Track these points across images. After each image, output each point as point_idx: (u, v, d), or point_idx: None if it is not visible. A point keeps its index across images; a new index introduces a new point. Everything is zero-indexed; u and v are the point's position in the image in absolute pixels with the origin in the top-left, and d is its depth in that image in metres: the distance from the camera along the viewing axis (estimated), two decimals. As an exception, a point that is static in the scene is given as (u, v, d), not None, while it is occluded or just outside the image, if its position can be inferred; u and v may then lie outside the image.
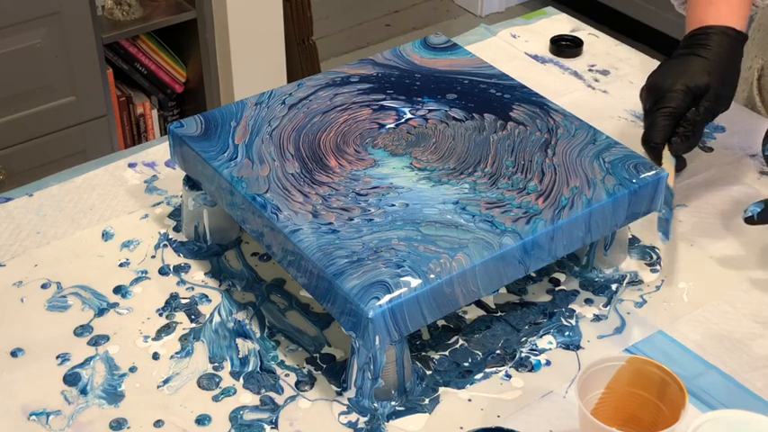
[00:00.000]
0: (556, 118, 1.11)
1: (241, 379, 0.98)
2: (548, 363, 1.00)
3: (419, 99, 1.14)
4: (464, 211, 0.98)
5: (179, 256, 1.12)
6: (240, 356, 1.00)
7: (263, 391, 0.97)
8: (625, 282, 1.09)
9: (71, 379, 0.98)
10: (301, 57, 2.67)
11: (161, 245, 1.13)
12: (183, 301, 1.06)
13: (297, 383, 0.98)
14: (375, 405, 0.95)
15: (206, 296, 1.07)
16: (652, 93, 1.13)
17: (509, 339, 1.02)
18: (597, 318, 1.05)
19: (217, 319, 1.04)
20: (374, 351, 0.92)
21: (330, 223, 0.97)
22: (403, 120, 1.11)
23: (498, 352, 1.01)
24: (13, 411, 0.94)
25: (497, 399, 0.96)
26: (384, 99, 1.14)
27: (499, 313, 1.05)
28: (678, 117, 1.10)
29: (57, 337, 1.02)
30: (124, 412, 0.94)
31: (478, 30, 1.53)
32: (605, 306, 1.06)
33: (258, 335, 1.02)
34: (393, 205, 0.99)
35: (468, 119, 1.11)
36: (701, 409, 0.95)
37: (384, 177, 1.03)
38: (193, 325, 1.03)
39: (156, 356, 1.00)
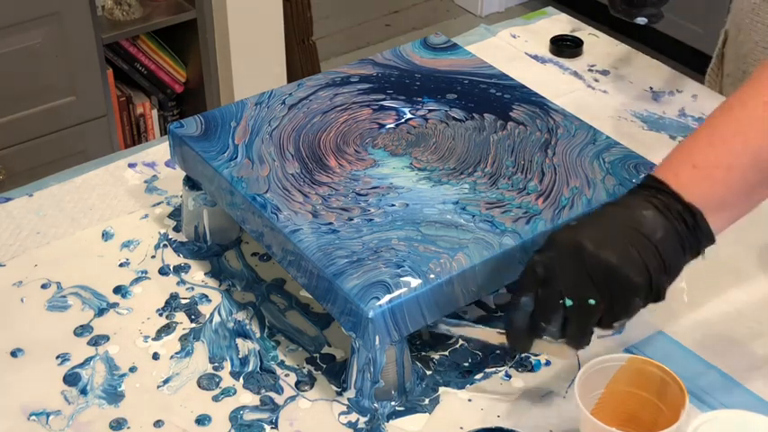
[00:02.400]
0: (556, 118, 1.11)
1: (241, 379, 0.98)
2: (548, 363, 1.00)
3: (419, 99, 1.14)
4: (464, 211, 0.98)
5: (179, 256, 1.12)
6: (240, 356, 1.00)
7: (263, 391, 0.97)
8: (625, 282, 1.09)
9: (71, 379, 0.98)
10: (301, 57, 2.67)
11: (161, 245, 1.13)
12: (183, 301, 1.06)
13: (297, 383, 0.98)
14: (375, 405, 0.95)
15: (206, 296, 1.07)
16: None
17: (509, 339, 1.02)
18: (597, 318, 1.05)
19: (217, 319, 1.04)
20: (374, 351, 0.92)
21: (330, 223, 0.97)
22: (403, 120, 1.11)
23: (498, 352, 1.01)
24: (13, 411, 0.94)
25: (497, 399, 0.96)
26: (384, 99, 1.14)
27: (499, 313, 1.05)
28: None
29: (57, 337, 1.02)
30: (124, 412, 0.94)
31: (478, 30, 1.52)
32: (605, 306, 1.06)
33: (258, 335, 1.02)
34: (393, 205, 0.99)
35: (468, 119, 1.11)
36: (701, 409, 0.95)
37: (384, 177, 1.03)
38: (193, 325, 1.03)
39: (156, 356, 1.00)
